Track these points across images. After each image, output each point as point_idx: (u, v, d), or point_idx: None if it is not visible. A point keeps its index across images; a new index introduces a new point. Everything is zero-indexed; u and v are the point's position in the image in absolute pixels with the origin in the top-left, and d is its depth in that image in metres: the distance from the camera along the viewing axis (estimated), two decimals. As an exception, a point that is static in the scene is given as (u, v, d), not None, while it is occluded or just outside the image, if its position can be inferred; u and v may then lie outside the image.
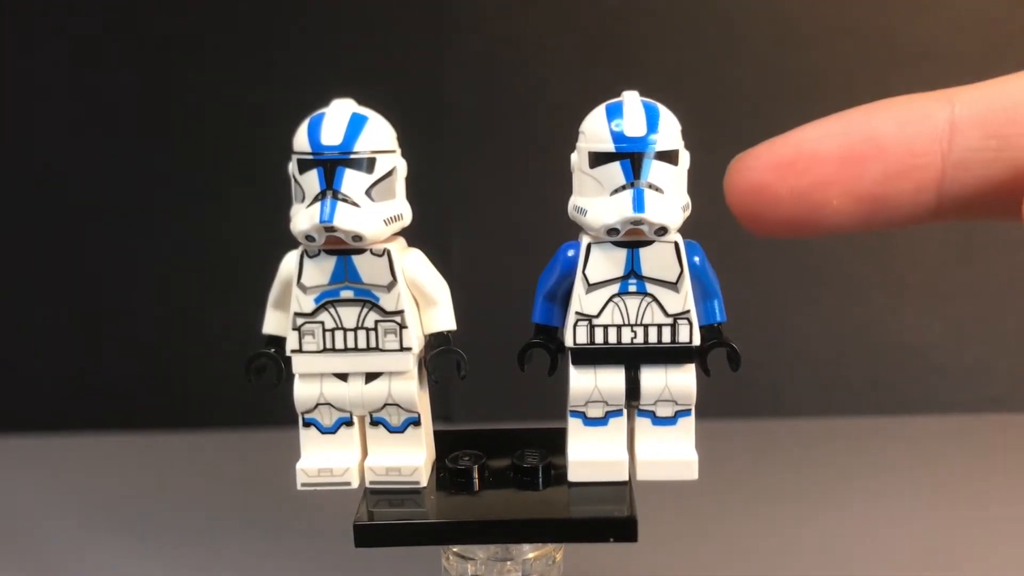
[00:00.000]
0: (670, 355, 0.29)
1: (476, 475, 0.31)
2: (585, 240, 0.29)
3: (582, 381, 0.30)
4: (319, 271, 0.29)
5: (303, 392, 0.30)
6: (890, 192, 0.24)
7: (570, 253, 0.29)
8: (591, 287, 0.29)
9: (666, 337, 0.29)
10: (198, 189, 0.63)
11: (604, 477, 0.30)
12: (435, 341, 0.30)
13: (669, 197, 0.28)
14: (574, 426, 0.30)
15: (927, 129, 0.24)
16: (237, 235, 0.62)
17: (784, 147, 0.25)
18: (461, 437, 0.33)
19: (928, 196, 0.24)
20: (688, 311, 0.29)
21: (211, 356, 0.62)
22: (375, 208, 0.28)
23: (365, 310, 0.29)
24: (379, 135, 0.29)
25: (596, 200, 0.28)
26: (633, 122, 0.28)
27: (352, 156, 0.28)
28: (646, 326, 0.29)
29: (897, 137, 0.24)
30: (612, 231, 0.28)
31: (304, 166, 0.28)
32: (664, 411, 0.30)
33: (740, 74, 0.63)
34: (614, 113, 0.28)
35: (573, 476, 0.30)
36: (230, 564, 0.47)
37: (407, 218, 0.30)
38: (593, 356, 0.30)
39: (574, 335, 0.29)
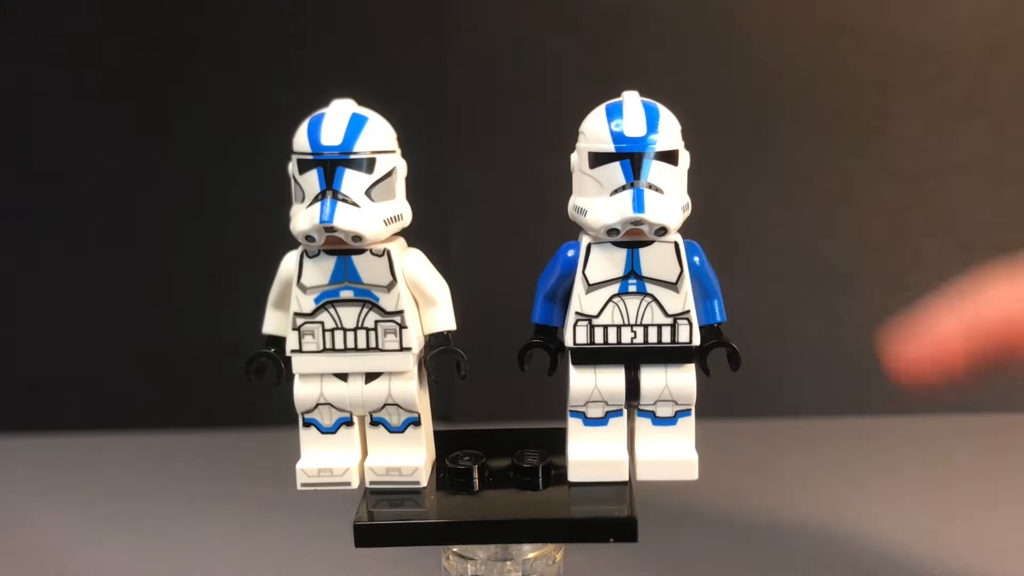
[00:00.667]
0: (670, 355, 0.29)
1: (476, 475, 0.31)
2: (585, 240, 0.29)
3: (582, 381, 0.30)
4: (319, 271, 0.29)
5: (303, 392, 0.30)
6: (1007, 360, 0.31)
7: (570, 253, 0.30)
8: (591, 287, 0.29)
9: (666, 337, 0.29)
10: (198, 189, 0.63)
11: (604, 477, 0.30)
12: (435, 341, 0.30)
13: (669, 197, 0.28)
14: (574, 426, 0.30)
15: None
16: (237, 235, 0.62)
17: (920, 344, 0.32)
18: (461, 437, 0.33)
19: None
20: (688, 311, 0.29)
21: (211, 356, 0.62)
22: (375, 208, 0.28)
23: (365, 310, 0.29)
24: (379, 135, 0.29)
25: (596, 200, 0.28)
26: (633, 122, 0.28)
27: (352, 156, 0.28)
28: (646, 326, 0.29)
29: (1008, 324, 0.30)
30: (612, 231, 0.28)
31: (304, 166, 0.28)
32: (664, 411, 0.30)
33: (740, 74, 0.63)
34: (614, 113, 0.28)
35: (573, 476, 0.30)
36: (230, 564, 0.47)
37: (407, 218, 0.30)
38: (593, 356, 0.30)
39: (574, 335, 0.29)
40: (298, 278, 0.29)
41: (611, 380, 0.30)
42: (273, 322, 0.31)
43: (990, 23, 0.62)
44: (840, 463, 0.58)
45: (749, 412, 0.65)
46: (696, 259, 0.29)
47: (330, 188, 0.28)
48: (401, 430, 0.31)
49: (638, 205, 0.27)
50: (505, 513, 0.29)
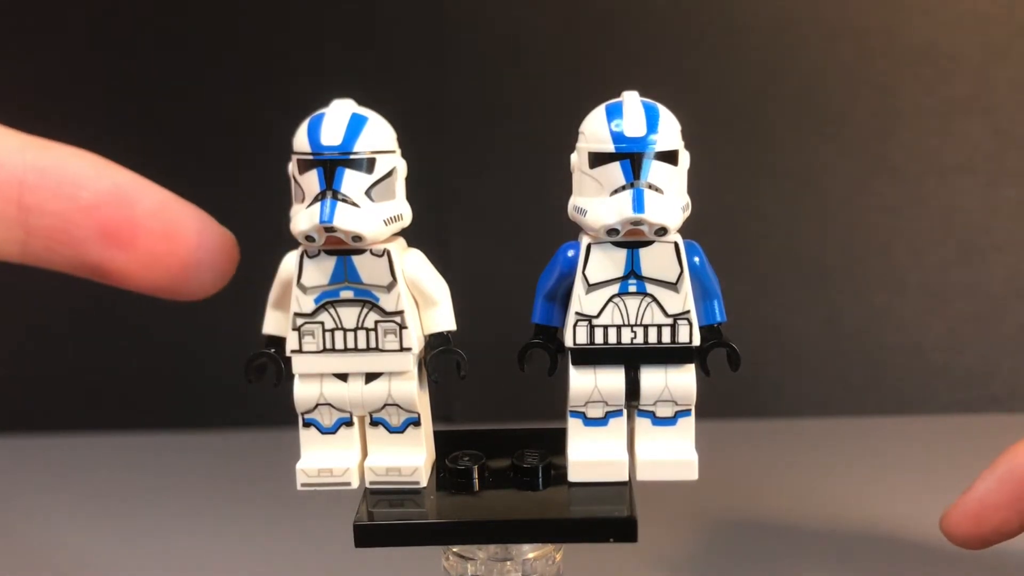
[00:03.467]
0: (670, 355, 0.29)
1: (476, 475, 0.31)
2: (585, 240, 0.29)
3: (582, 381, 0.30)
4: (319, 271, 0.29)
5: (303, 392, 0.30)
6: None
7: (570, 253, 0.29)
8: (591, 287, 0.29)
9: (666, 337, 0.29)
10: (197, 189, 0.63)
11: (604, 477, 0.30)
12: (435, 341, 0.30)
13: (669, 197, 0.28)
14: (574, 426, 0.30)
15: None
16: (237, 235, 0.62)
17: (970, 503, 0.36)
18: (461, 437, 0.33)
19: None
20: (688, 311, 0.29)
21: (211, 356, 0.62)
22: (375, 208, 0.28)
23: (365, 310, 0.29)
24: (379, 135, 0.29)
25: (596, 200, 0.28)
26: (633, 122, 0.28)
27: (352, 156, 0.28)
28: (646, 326, 0.29)
29: None
30: (612, 231, 0.28)
31: (304, 166, 0.28)
32: (664, 411, 0.30)
33: (740, 74, 0.63)
34: (614, 113, 0.28)
35: (573, 476, 0.30)
36: (230, 564, 0.47)
37: (407, 218, 0.30)
38: (593, 356, 0.30)
39: (574, 335, 0.29)
40: (298, 278, 0.29)
41: (611, 380, 0.30)
42: (273, 322, 0.31)
43: (990, 23, 0.62)
44: (840, 463, 0.58)
45: (749, 412, 0.65)
46: (696, 259, 0.29)
47: (330, 188, 0.28)
48: (401, 430, 0.31)
49: (638, 205, 0.27)
50: (505, 513, 0.29)
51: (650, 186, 0.28)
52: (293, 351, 0.30)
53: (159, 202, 0.27)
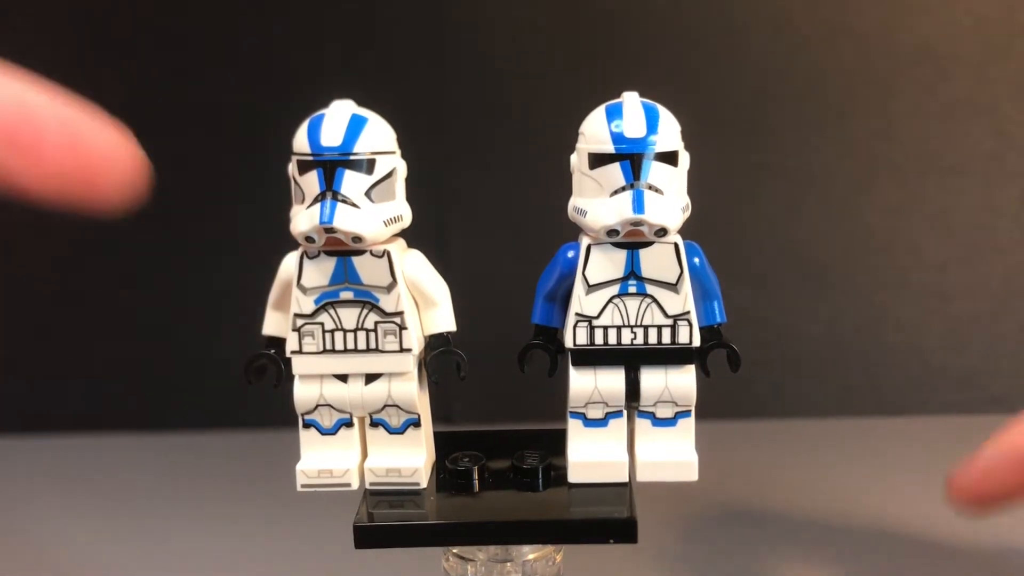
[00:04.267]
0: (670, 356, 0.29)
1: (476, 476, 0.31)
2: (585, 241, 0.29)
3: (582, 382, 0.30)
4: (319, 272, 0.29)
5: (303, 393, 0.30)
6: None
7: (570, 254, 0.30)
8: (591, 288, 0.29)
9: (666, 338, 0.29)
10: (198, 190, 0.63)
11: (604, 478, 0.30)
12: (435, 342, 0.30)
13: (669, 198, 0.28)
14: (574, 427, 0.30)
15: None
16: (237, 236, 0.62)
17: (973, 473, 0.35)
18: (461, 438, 0.33)
19: None
20: (688, 312, 0.29)
21: (211, 356, 0.62)
22: (375, 209, 0.28)
23: (365, 311, 0.29)
24: (379, 136, 0.29)
25: (596, 201, 0.28)
26: (633, 123, 0.28)
27: (352, 157, 0.28)
28: (646, 327, 0.29)
29: None
30: (612, 232, 0.28)
31: (304, 167, 0.28)
32: (664, 412, 0.30)
33: (740, 74, 0.63)
34: (614, 114, 0.28)
35: (573, 477, 0.30)
36: (230, 565, 0.47)
37: (407, 219, 0.30)
38: (593, 357, 0.30)
39: (574, 336, 0.29)
40: (298, 279, 0.29)
41: (611, 381, 0.30)
42: (273, 323, 0.31)
43: (990, 23, 0.62)
44: (840, 463, 0.58)
45: (749, 413, 0.65)
46: (696, 260, 0.29)
47: (330, 189, 0.28)
48: (401, 431, 0.31)
49: (638, 206, 0.27)
50: (505, 514, 0.29)
51: (650, 187, 0.28)
52: (293, 352, 0.30)
53: (65, 112, 0.27)
